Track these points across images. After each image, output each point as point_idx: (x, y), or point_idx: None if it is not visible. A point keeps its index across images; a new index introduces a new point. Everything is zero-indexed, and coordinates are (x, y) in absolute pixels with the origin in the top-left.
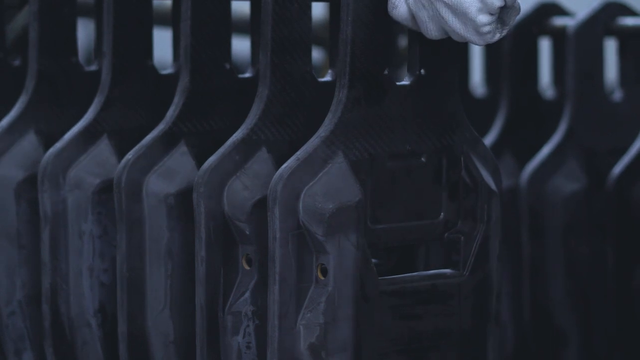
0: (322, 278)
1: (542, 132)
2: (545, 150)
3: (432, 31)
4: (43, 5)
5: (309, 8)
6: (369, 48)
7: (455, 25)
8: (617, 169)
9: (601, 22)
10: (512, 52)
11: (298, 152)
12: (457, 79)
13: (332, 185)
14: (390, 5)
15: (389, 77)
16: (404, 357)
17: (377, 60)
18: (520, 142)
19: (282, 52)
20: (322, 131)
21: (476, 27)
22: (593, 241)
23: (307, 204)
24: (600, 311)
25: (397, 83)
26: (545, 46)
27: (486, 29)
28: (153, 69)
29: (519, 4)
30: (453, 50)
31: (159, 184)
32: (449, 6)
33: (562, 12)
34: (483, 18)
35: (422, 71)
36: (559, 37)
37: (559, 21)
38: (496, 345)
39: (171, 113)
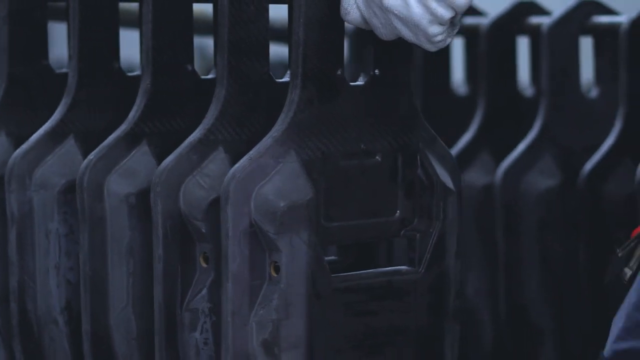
0: (275, 275)
1: (521, 130)
2: (520, 147)
3: (385, 35)
4: (13, 9)
5: (266, 10)
6: (321, 49)
7: (407, 34)
8: (588, 165)
9: (576, 21)
10: (489, 51)
11: (250, 152)
12: (411, 79)
13: (284, 184)
14: (342, 10)
15: (342, 78)
16: (358, 353)
17: (329, 61)
18: (498, 139)
19: (239, 54)
20: (275, 131)
21: (428, 38)
22: (567, 238)
23: (259, 203)
24: (575, 307)
25: (351, 83)
26: (524, 45)
27: (438, 38)
28: (120, 71)
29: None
30: (407, 51)
31: (121, 184)
32: (399, 18)
33: (540, 11)
34: (434, 29)
35: (376, 71)
36: (536, 35)
37: (536, 20)
38: (455, 342)
39: (133, 114)
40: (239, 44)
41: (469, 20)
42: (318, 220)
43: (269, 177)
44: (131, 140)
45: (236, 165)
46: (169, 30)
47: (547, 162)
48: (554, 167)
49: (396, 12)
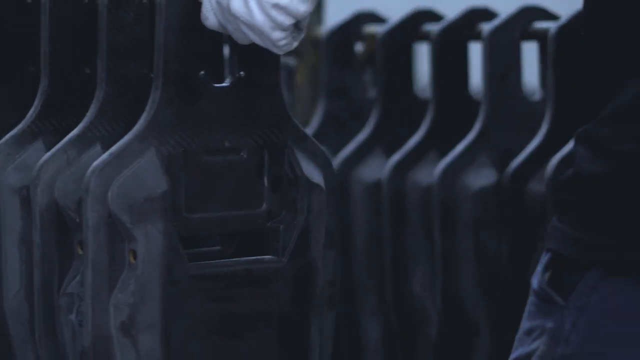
0: (133, 262)
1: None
2: (459, 148)
3: (240, 40)
4: None
5: (145, 15)
6: (182, 53)
7: (255, 39)
8: (513, 165)
9: (517, 26)
10: (438, 56)
11: (112, 148)
12: (279, 79)
13: (141, 178)
14: (202, 16)
15: (204, 79)
16: (217, 336)
17: (190, 64)
18: (447, 142)
19: (118, 57)
20: (136, 129)
21: (273, 42)
22: (500, 235)
23: (116, 195)
24: (506, 301)
25: (216, 85)
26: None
27: (282, 42)
28: (35, 74)
29: (309, 8)
30: (273, 54)
31: (15, 178)
32: (246, 24)
33: (494, 16)
34: (277, 35)
35: (242, 73)
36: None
37: (487, 26)
38: (325, 329)
39: (31, 113)
40: (118, 48)
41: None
42: (178, 212)
43: (127, 171)
44: (27, 137)
45: (98, 160)
46: (67, 35)
47: (483, 162)
48: (490, 168)
49: (242, 19)
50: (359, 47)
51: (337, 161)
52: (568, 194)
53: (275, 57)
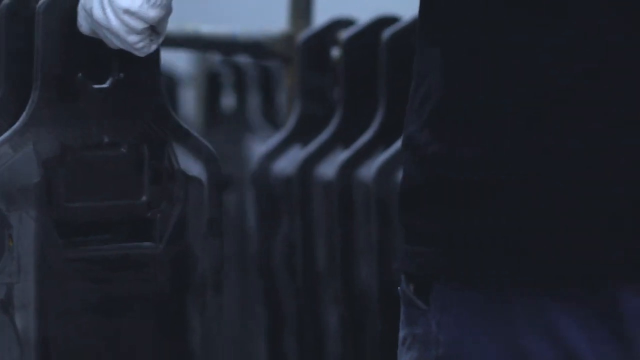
0: (11, 245)
1: None
2: (395, 146)
3: (110, 44)
4: None
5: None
6: (60, 55)
7: (117, 43)
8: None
9: (370, 34)
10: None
11: None
12: (159, 80)
13: (16, 170)
14: (78, 22)
15: (83, 80)
16: (94, 316)
17: (68, 67)
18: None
19: (13, 61)
20: (16, 125)
21: (130, 45)
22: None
23: None
24: None
25: (95, 85)
26: None
27: (139, 45)
28: None
29: (165, 12)
30: (152, 56)
31: None
32: (106, 29)
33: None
34: (132, 38)
35: (121, 75)
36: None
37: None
38: (209, 312)
39: None
40: (14, 53)
41: None
42: (57, 201)
43: (6, 163)
44: None
45: None
46: None
47: None
48: None
49: (102, 24)
50: (335, 51)
51: (300, 159)
52: (399, 206)
53: (153, 59)
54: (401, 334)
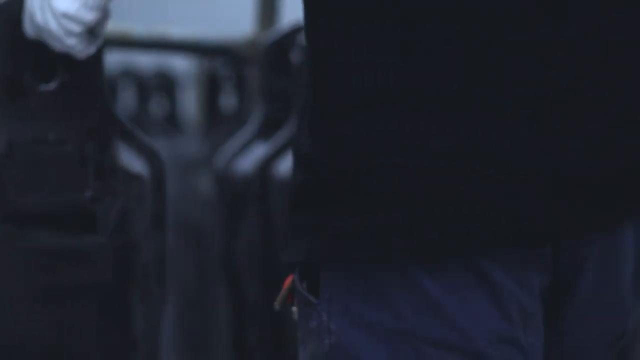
0: None
1: None
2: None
3: (53, 47)
4: None
5: None
6: (8, 59)
7: (58, 46)
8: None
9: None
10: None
11: None
12: (103, 81)
13: None
14: (24, 27)
15: (30, 81)
16: (38, 305)
17: (15, 68)
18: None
19: None
20: None
21: (69, 48)
22: None
23: None
24: None
25: (42, 86)
26: None
27: (77, 48)
28: None
29: (102, 15)
30: (94, 59)
31: None
32: (47, 33)
33: None
34: (70, 41)
35: (66, 76)
36: None
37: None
38: (152, 302)
39: None
40: None
41: None
42: (5, 195)
43: None
44: None
45: None
46: None
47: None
48: None
49: (43, 28)
50: (296, 54)
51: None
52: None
53: (96, 62)
54: (298, 335)
